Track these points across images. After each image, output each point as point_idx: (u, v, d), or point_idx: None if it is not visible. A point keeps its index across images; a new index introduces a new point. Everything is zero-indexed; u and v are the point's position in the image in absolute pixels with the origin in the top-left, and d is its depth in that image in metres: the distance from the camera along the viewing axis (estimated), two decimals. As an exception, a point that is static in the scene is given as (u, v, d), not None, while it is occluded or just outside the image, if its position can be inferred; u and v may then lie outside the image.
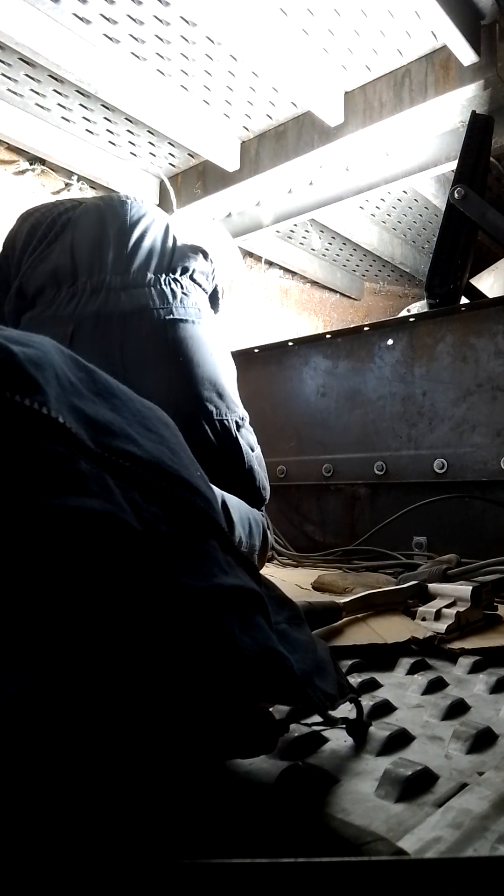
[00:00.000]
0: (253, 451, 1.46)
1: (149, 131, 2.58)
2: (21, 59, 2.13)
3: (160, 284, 1.37)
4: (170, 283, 1.38)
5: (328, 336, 2.24)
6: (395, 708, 0.74)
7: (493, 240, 2.10)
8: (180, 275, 1.40)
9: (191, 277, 1.42)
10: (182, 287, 1.39)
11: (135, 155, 2.78)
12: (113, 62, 2.14)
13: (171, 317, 1.34)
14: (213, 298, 1.49)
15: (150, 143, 2.68)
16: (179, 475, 0.50)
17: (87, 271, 1.37)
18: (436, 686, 0.82)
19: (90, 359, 0.53)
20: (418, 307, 3.08)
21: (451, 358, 1.92)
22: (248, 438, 1.45)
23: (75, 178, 2.77)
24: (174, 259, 1.41)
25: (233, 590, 0.48)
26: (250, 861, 0.34)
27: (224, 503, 1.25)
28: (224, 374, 1.41)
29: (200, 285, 1.44)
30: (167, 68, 2.21)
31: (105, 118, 2.50)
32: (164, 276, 1.38)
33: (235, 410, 1.41)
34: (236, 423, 1.40)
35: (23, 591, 0.37)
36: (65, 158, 2.63)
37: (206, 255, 1.46)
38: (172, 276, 1.39)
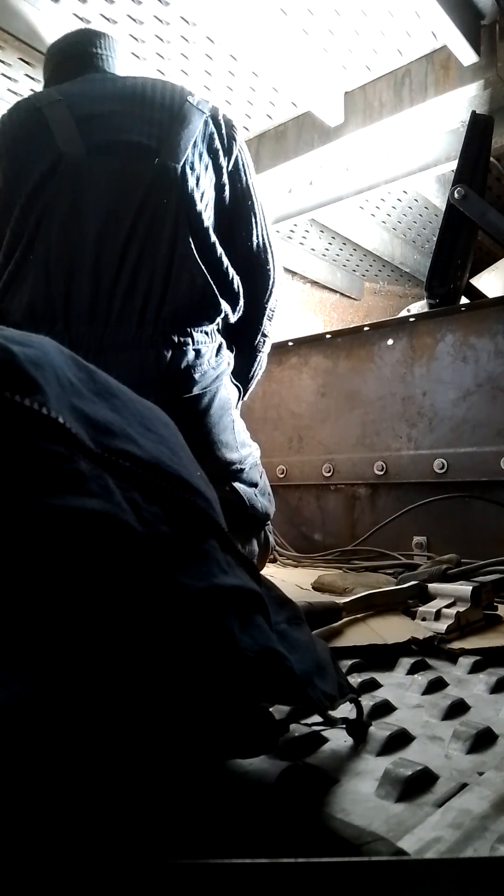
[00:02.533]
0: (256, 486, 1.38)
1: (149, 131, 2.58)
2: (21, 59, 2.13)
3: (147, 344, 1.12)
4: (158, 342, 1.12)
5: (328, 336, 2.24)
6: (395, 708, 0.74)
7: (493, 240, 2.10)
8: (171, 326, 1.14)
9: (187, 321, 1.17)
10: (173, 343, 1.14)
11: (135, 155, 2.78)
12: (113, 62, 2.14)
13: (153, 398, 1.18)
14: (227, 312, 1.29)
15: (150, 143, 2.68)
16: (179, 475, 0.50)
17: (63, 315, 1.13)
18: (436, 686, 0.82)
19: None
20: (418, 307, 3.08)
21: (451, 358, 1.92)
22: (250, 478, 1.34)
23: (75, 178, 2.77)
24: (168, 289, 1.13)
25: (232, 590, 0.48)
26: (250, 861, 0.34)
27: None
28: (222, 432, 1.22)
29: (202, 328, 1.21)
30: (167, 68, 2.21)
31: (105, 118, 2.50)
32: (152, 329, 1.12)
33: (229, 468, 1.27)
34: (230, 477, 1.29)
35: (23, 590, 0.37)
36: (65, 158, 2.62)
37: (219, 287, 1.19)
38: (162, 329, 1.13)
